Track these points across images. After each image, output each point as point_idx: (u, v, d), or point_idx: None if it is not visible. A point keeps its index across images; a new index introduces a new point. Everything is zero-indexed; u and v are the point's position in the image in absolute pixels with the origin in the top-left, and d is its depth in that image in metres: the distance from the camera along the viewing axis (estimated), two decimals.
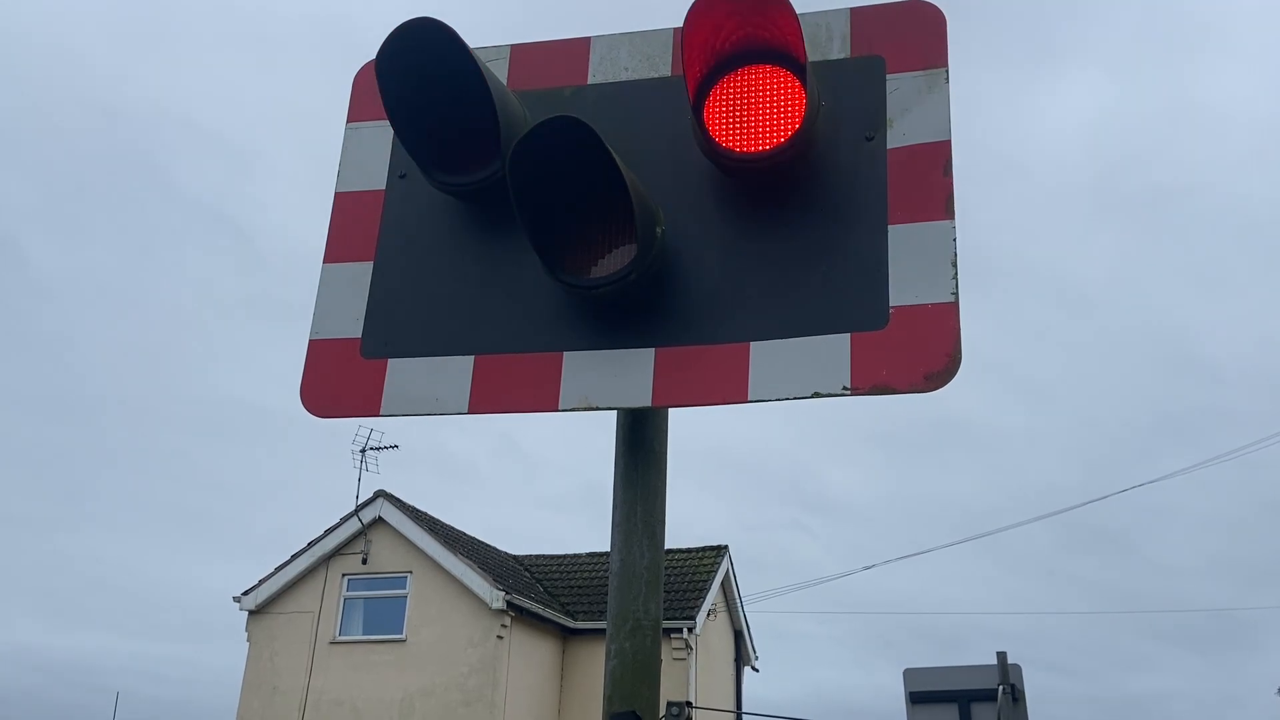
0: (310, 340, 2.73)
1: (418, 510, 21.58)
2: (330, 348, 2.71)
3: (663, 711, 2.66)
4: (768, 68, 2.56)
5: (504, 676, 19.45)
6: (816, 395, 2.33)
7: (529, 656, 20.47)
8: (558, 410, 2.51)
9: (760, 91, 2.54)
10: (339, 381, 2.67)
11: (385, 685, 19.48)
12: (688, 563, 23.74)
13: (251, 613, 20.88)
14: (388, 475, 23.28)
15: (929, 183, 2.45)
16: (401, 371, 2.64)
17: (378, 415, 2.63)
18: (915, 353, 2.29)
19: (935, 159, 2.47)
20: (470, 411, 2.56)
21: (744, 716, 23.64)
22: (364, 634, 20.33)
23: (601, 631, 15.62)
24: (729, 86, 2.56)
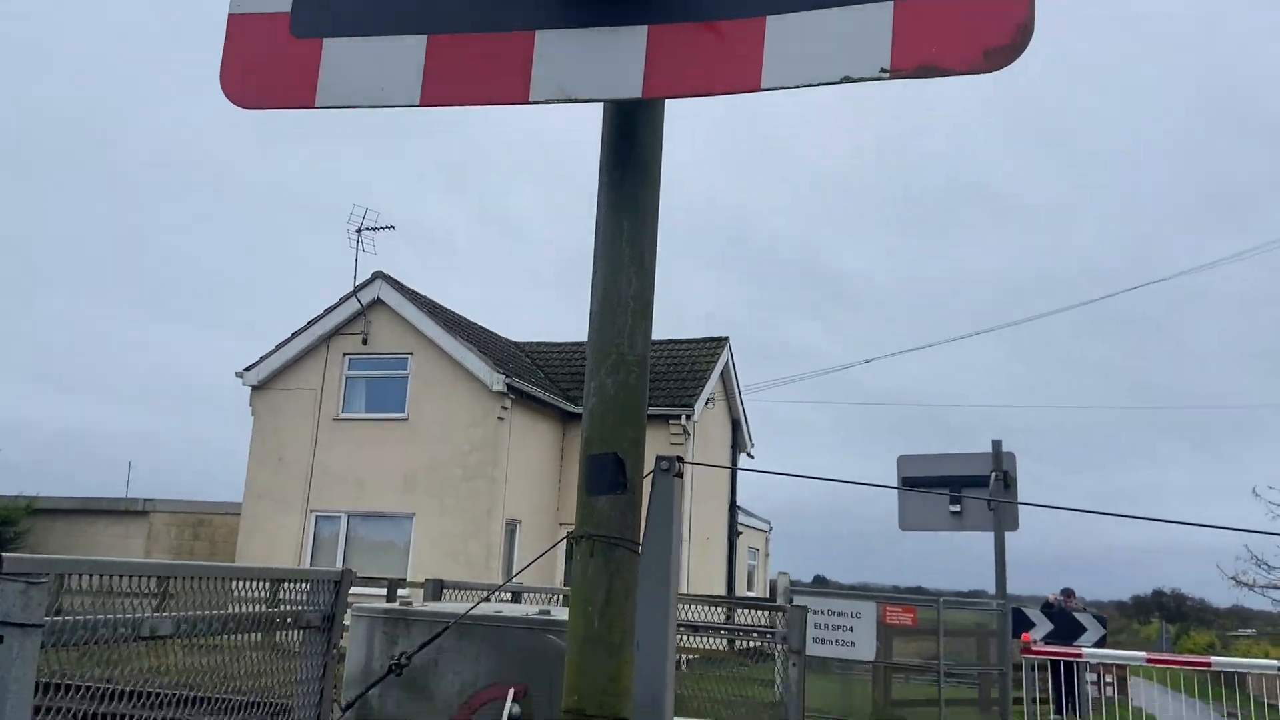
0: (229, 14, 2.25)
1: (417, 293, 21.37)
2: (254, 24, 2.23)
3: (650, 466, 2.37)
4: None
5: (504, 455, 19.85)
6: (846, 80, 1.88)
7: (529, 438, 20.84)
8: (528, 102, 2.06)
9: None
10: (265, 65, 2.20)
11: (388, 459, 19.94)
12: (688, 353, 23.82)
13: (255, 388, 21.11)
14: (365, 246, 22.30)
15: None
16: (339, 53, 2.17)
17: (312, 107, 2.18)
18: (974, 22, 1.81)
19: None
20: (422, 104, 2.11)
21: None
22: (366, 411, 20.62)
23: None
24: None
